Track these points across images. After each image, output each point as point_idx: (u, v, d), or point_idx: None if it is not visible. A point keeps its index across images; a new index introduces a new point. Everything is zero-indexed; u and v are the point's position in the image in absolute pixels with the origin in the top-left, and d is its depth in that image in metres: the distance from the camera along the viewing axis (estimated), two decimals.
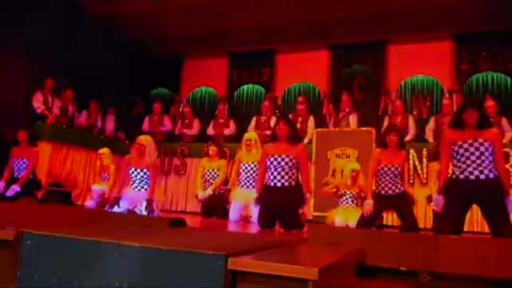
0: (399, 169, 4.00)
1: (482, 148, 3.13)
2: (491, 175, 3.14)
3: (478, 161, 3.14)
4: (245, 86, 9.05)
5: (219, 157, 5.72)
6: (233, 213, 5.01)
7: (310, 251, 2.19)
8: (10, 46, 6.54)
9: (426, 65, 7.76)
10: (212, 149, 5.71)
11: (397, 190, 4.02)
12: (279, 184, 3.91)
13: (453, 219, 3.22)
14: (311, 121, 7.10)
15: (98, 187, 5.75)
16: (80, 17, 7.59)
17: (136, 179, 4.57)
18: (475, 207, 3.41)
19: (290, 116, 7.09)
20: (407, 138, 6.23)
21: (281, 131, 3.95)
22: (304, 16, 7.54)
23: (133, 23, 7.98)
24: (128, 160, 4.62)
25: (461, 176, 3.20)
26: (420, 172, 5.83)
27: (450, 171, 3.41)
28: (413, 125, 6.72)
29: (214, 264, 1.45)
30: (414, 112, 7.62)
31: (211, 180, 5.62)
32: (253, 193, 4.48)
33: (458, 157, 3.22)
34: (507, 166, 5.07)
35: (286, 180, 3.91)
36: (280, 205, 3.87)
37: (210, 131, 7.63)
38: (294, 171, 3.95)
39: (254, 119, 7.45)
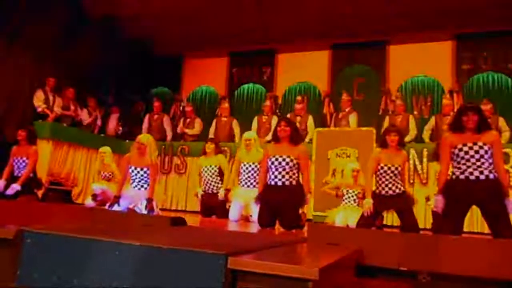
0: (399, 169, 4.01)
1: (481, 151, 3.17)
2: (491, 176, 3.17)
3: (478, 163, 3.18)
4: (245, 86, 9.05)
5: (216, 154, 5.71)
6: (233, 212, 5.01)
7: (310, 250, 2.19)
8: (11, 46, 6.55)
9: (427, 65, 7.76)
10: (209, 147, 5.71)
11: (397, 190, 4.03)
12: (279, 183, 3.92)
13: (453, 220, 3.24)
14: (310, 120, 7.11)
15: (98, 186, 5.75)
16: (81, 17, 7.59)
17: (136, 178, 4.57)
18: (475, 207, 3.42)
19: (289, 115, 7.10)
20: (407, 138, 6.23)
21: (283, 132, 3.96)
22: (305, 16, 7.54)
23: (134, 23, 7.97)
24: (128, 159, 4.62)
25: (461, 177, 3.23)
26: (420, 172, 5.83)
27: (450, 172, 3.42)
28: (414, 125, 6.72)
29: (214, 264, 1.45)
30: (415, 112, 7.63)
31: (209, 178, 5.60)
32: (253, 193, 4.48)
33: (458, 159, 3.26)
34: (506, 167, 5.09)
35: (287, 180, 3.92)
36: (280, 204, 3.88)
37: (212, 130, 7.58)
38: (294, 171, 3.96)
39: (255, 119, 7.46)
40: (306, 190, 3.96)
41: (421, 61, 7.74)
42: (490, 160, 3.18)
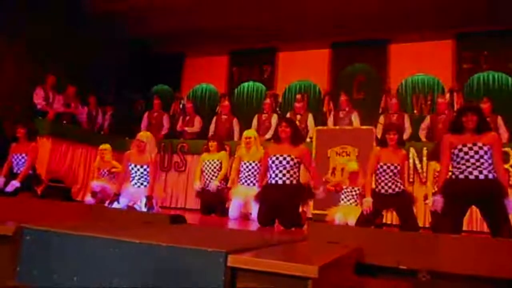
0: (399, 167, 4.02)
1: (481, 152, 3.19)
2: (490, 176, 3.18)
3: (478, 163, 3.19)
4: (246, 84, 9.04)
5: (219, 151, 5.70)
6: (233, 210, 5.01)
7: (310, 249, 2.19)
8: (11, 43, 6.54)
9: (427, 64, 7.75)
10: (212, 145, 5.70)
11: (396, 189, 4.03)
12: (280, 182, 3.93)
13: (452, 218, 3.25)
14: (310, 119, 7.10)
15: (98, 183, 5.75)
16: (81, 15, 7.57)
17: (136, 176, 4.57)
18: (474, 206, 3.43)
19: (289, 114, 7.11)
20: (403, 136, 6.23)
21: (284, 133, 3.98)
22: (305, 14, 7.52)
23: (134, 20, 7.95)
24: (128, 156, 4.62)
25: (461, 176, 3.24)
26: (420, 171, 5.84)
27: (449, 172, 3.43)
28: (409, 124, 6.73)
29: (214, 261, 1.45)
30: (415, 111, 7.63)
31: (210, 172, 5.59)
32: (253, 191, 4.49)
33: (458, 159, 3.27)
34: (506, 166, 5.10)
35: (287, 178, 3.93)
36: (280, 202, 3.88)
37: (212, 128, 7.57)
38: (295, 170, 3.97)
39: (255, 118, 7.45)
40: (316, 185, 3.99)
41: (422, 60, 7.74)
42: (490, 161, 3.19)
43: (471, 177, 3.19)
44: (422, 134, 6.60)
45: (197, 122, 7.82)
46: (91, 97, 7.56)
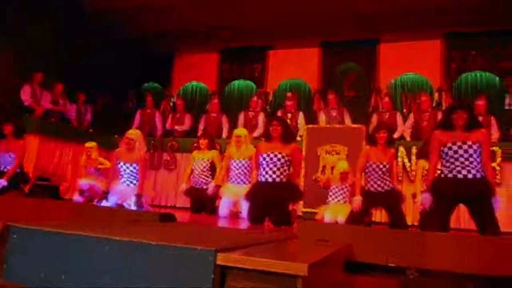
0: (388, 166, 4.06)
1: (470, 151, 3.21)
2: (478, 175, 3.21)
3: (467, 162, 3.22)
4: (236, 82, 9.03)
5: (210, 150, 5.68)
6: (223, 208, 5.00)
7: (300, 247, 2.19)
8: (5, 41, 6.45)
9: (417, 63, 7.81)
10: (202, 142, 5.67)
11: (385, 187, 4.06)
12: (270, 179, 3.93)
13: (439, 217, 3.28)
14: (301, 117, 7.10)
15: (85, 182, 5.68)
16: (72, 12, 7.48)
17: (125, 174, 4.53)
18: (462, 204, 3.46)
19: (279, 112, 7.10)
20: (395, 135, 6.27)
21: (275, 131, 3.99)
22: (296, 13, 7.53)
23: (125, 19, 7.88)
24: (117, 154, 4.58)
25: (450, 175, 3.26)
26: (408, 169, 5.88)
27: (438, 170, 3.45)
28: (401, 122, 6.76)
29: (203, 260, 1.44)
30: (404, 110, 7.68)
31: (201, 171, 5.57)
32: (243, 189, 4.48)
33: (447, 158, 3.29)
34: (493, 164, 5.16)
35: (277, 176, 3.93)
36: (270, 200, 3.89)
37: (201, 126, 7.53)
38: (285, 168, 3.97)
39: (242, 115, 7.41)
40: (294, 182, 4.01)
41: (411, 59, 7.79)
42: (478, 159, 3.22)
43: (460, 176, 3.21)
44: (406, 133, 6.63)
45: (188, 120, 7.76)
46: (79, 94, 7.49)
